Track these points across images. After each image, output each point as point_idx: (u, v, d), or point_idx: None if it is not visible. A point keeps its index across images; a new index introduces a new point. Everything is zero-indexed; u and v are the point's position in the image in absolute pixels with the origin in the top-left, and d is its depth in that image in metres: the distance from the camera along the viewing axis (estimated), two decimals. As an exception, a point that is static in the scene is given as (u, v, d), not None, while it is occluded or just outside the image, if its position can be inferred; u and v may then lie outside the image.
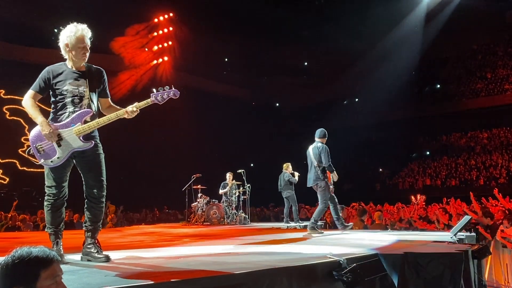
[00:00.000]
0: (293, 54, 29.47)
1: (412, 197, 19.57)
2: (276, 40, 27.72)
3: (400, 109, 29.28)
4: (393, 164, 29.20)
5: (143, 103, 3.79)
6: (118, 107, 3.91)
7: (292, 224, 11.54)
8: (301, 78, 31.16)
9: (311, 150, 7.78)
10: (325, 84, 29.34)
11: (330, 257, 3.58)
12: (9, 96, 17.28)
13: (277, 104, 32.26)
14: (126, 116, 3.77)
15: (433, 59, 31.25)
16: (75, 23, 3.77)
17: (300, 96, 29.54)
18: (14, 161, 16.57)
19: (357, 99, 32.18)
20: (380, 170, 29.79)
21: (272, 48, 28.42)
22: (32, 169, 12.56)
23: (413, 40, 27.13)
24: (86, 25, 3.83)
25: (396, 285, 3.76)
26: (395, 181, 28.42)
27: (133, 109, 3.74)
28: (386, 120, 29.21)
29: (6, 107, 17.66)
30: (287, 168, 11.89)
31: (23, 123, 14.82)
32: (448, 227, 9.00)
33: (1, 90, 18.02)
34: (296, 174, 11.86)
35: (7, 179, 17.15)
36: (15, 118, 16.56)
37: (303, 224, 11.40)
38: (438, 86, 31.48)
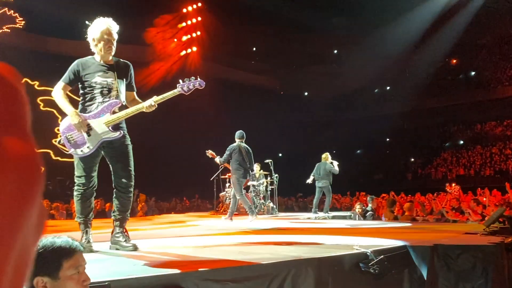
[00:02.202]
0: (322, 42, 29.10)
1: (448, 186, 19.12)
2: (305, 28, 27.42)
3: (433, 97, 28.58)
4: (425, 154, 28.61)
5: (169, 94, 3.88)
6: (141, 101, 3.98)
7: (321, 214, 11.49)
8: (331, 67, 30.74)
9: (244, 149, 8.68)
10: (355, 72, 28.88)
11: (357, 249, 3.54)
12: (42, 88, 17.70)
13: (306, 93, 31.99)
14: (145, 110, 3.82)
15: (467, 45, 30.27)
16: (101, 18, 3.85)
17: (329, 84, 29.16)
18: (48, 151, 17.04)
19: (388, 87, 31.59)
20: (412, 159, 29.24)
21: (301, 37, 28.14)
22: (65, 159, 12.89)
23: (446, 26, 26.34)
24: (111, 19, 3.89)
25: (425, 277, 3.68)
26: (427, 171, 27.84)
27: (151, 103, 3.81)
28: (418, 109, 28.58)
29: (40, 98, 18.11)
30: (327, 157, 11.78)
31: (56, 114, 15.13)
32: (482, 218, 8.77)
33: (35, 82, 18.49)
34: (335, 163, 11.75)
35: (42, 169, 17.65)
36: (48, 109, 16.97)
37: (332, 214, 11.35)
38: (473, 73, 30.52)
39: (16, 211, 0.21)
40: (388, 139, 29.42)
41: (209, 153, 9.33)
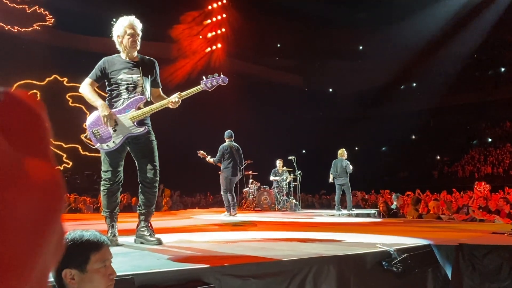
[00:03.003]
0: (347, 38, 28.79)
1: (477, 184, 18.65)
2: (329, 24, 27.19)
3: (460, 93, 27.96)
4: (452, 151, 28.05)
5: (193, 90, 3.94)
6: (166, 97, 4.04)
7: (345, 211, 11.43)
8: (356, 63, 30.41)
9: (235, 147, 9.24)
10: (381, 69, 28.48)
11: (380, 247, 3.51)
12: (71, 84, 18.13)
13: (330, 90, 31.75)
14: (171, 106, 3.88)
15: (496, 40, 29.47)
16: (125, 16, 3.95)
17: (354, 81, 28.84)
18: (77, 146, 17.45)
19: (414, 84, 31.06)
20: (438, 157, 28.71)
21: (326, 32, 27.91)
22: (93, 154, 13.14)
23: (474, 21, 25.70)
24: (134, 16, 3.97)
25: (449, 277, 3.63)
26: (454, 169, 27.30)
27: (175, 99, 3.87)
28: (445, 105, 28.02)
29: (69, 94, 18.55)
30: (343, 154, 11.68)
31: (85, 110, 15.51)
32: (510, 217, 8.57)
33: (64, 78, 18.93)
34: (348, 163, 11.68)
35: (71, 163, 18.12)
36: (77, 105, 17.38)
37: (355, 212, 11.28)
38: (503, 69, 29.71)
39: (39, 233, 0.22)
40: (414, 136, 28.97)
41: (200, 153, 9.57)
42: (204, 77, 4.00)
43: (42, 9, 19.34)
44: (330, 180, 11.79)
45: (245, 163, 13.35)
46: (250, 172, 13.31)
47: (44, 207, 0.23)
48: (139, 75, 3.92)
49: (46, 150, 0.25)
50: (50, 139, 0.26)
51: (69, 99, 18.59)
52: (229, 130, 9.57)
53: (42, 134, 0.25)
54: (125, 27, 3.90)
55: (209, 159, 9.48)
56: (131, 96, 3.87)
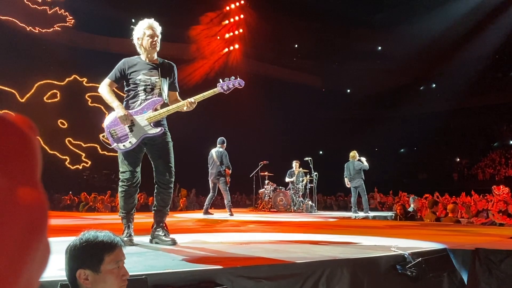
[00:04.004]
0: (365, 39, 28.56)
1: (494, 188, 18.34)
2: (347, 24, 27.02)
3: (481, 94, 27.50)
4: (472, 153, 27.61)
5: (209, 92, 4.00)
6: (182, 101, 4.08)
7: (361, 214, 11.36)
8: (374, 63, 30.14)
9: (214, 153, 9.75)
10: (400, 69, 28.17)
11: (394, 250, 3.49)
12: (91, 84, 18.37)
13: (348, 90, 31.54)
14: (185, 108, 3.92)
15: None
16: (145, 19, 4.02)
17: (373, 81, 28.59)
18: (95, 145, 17.68)
19: (434, 85, 30.66)
20: (458, 159, 28.29)
21: (344, 33, 27.74)
22: (111, 153, 13.33)
23: (495, 21, 25.24)
24: (153, 19, 4.04)
25: (465, 282, 3.58)
26: (474, 171, 26.86)
27: (191, 101, 3.92)
28: (466, 107, 27.57)
29: (88, 94, 18.81)
30: (355, 156, 11.69)
31: (104, 110, 15.73)
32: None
33: (84, 78, 19.20)
34: (363, 159, 11.63)
35: (89, 162, 18.38)
36: (96, 105, 17.62)
37: (372, 214, 11.21)
38: (526, 70, 29.13)
39: (24, 251, 0.24)
40: (433, 138, 28.57)
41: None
42: (220, 80, 4.05)
43: (63, 10, 19.66)
44: (346, 184, 11.77)
45: (260, 164, 13.40)
46: (266, 173, 13.31)
47: (29, 229, 0.25)
48: (158, 77, 3.97)
49: (34, 174, 0.27)
50: (39, 163, 0.28)
51: (88, 99, 18.85)
52: (222, 137, 10.12)
53: (31, 159, 0.27)
54: (144, 29, 3.97)
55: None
56: (148, 97, 3.92)
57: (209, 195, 9.98)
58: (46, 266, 0.27)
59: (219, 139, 10.04)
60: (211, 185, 9.79)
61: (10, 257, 0.23)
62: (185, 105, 3.92)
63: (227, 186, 9.86)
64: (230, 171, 9.91)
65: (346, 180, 11.73)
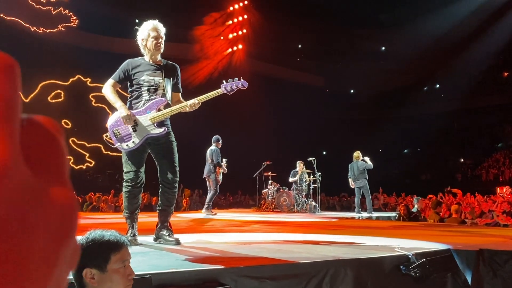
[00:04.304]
0: (369, 39, 28.52)
1: (498, 189, 18.26)
2: (351, 24, 26.98)
3: (485, 95, 27.40)
4: (476, 154, 27.51)
5: (213, 93, 4.01)
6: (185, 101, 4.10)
7: (365, 214, 11.34)
8: (378, 63, 30.09)
9: (208, 151, 9.96)
10: (404, 69, 28.11)
11: (398, 251, 3.49)
12: (94, 84, 18.43)
13: (352, 91, 31.50)
14: (188, 109, 3.93)
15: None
16: (149, 20, 4.05)
17: (376, 82, 28.55)
18: (99, 145, 17.74)
19: (438, 85, 30.58)
20: (462, 160, 28.20)
21: (347, 33, 27.71)
22: (115, 153, 13.37)
23: (499, 21, 25.15)
24: (158, 20, 4.06)
25: (469, 283, 3.58)
26: (478, 172, 26.77)
27: (194, 102, 3.93)
28: (469, 107, 27.48)
29: (92, 94, 18.87)
30: (359, 156, 11.69)
31: (107, 110, 15.76)
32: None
33: (87, 79, 19.25)
34: (367, 158, 11.63)
35: (93, 162, 18.43)
36: (100, 105, 17.68)
37: (375, 215, 11.19)
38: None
39: (55, 251, 0.25)
40: (436, 139, 28.49)
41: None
42: (224, 81, 4.07)
43: (67, 10, 19.73)
44: (351, 184, 11.77)
45: (264, 164, 13.41)
46: (269, 173, 13.32)
47: (60, 229, 0.26)
48: (161, 78, 3.99)
49: (64, 174, 0.28)
50: (68, 163, 0.29)
51: (92, 99, 18.91)
52: (216, 136, 10.28)
53: (61, 159, 0.28)
54: (149, 30, 3.99)
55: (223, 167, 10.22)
56: (152, 97, 3.94)
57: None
58: (74, 266, 0.28)
59: (213, 137, 10.20)
60: (207, 183, 10.01)
61: (43, 257, 0.24)
62: (188, 106, 3.93)
63: (218, 184, 10.03)
64: (222, 169, 10.14)
65: (350, 180, 11.74)
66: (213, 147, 10.03)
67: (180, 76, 4.22)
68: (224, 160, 10.22)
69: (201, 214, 9.93)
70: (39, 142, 0.27)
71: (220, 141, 10.17)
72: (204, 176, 9.97)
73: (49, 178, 0.26)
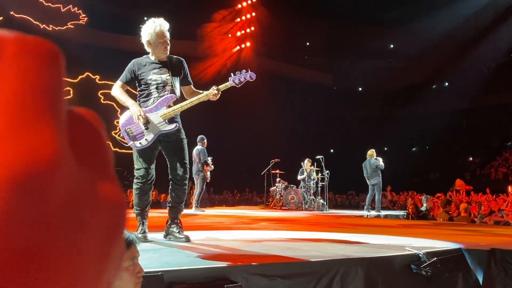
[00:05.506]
0: (377, 37, 28.36)
1: (510, 187, 18.11)
2: (359, 22, 26.86)
3: (495, 93, 27.17)
4: (485, 153, 27.31)
5: (222, 87, 4.02)
6: (201, 91, 4.09)
7: (373, 213, 11.30)
8: (386, 61, 29.94)
9: (194, 151, 10.03)
10: (412, 67, 27.94)
11: (409, 250, 3.47)
12: (103, 82, 18.51)
13: (360, 89, 31.36)
14: (208, 98, 3.93)
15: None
16: (153, 19, 4.00)
17: (385, 80, 28.40)
18: (107, 142, 17.80)
19: (447, 83, 30.37)
20: (470, 159, 28.00)
21: (356, 31, 27.58)
22: (123, 150, 13.43)
23: (510, 19, 24.90)
24: (162, 19, 4.03)
25: (480, 283, 3.55)
26: (487, 171, 26.56)
27: (214, 91, 3.92)
28: (479, 105, 27.28)
29: (101, 91, 18.94)
30: (372, 154, 11.63)
31: (116, 107, 15.79)
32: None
33: (96, 76, 19.34)
34: (380, 159, 11.57)
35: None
36: (108, 102, 17.72)
37: (384, 213, 11.15)
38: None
39: (106, 250, 0.24)
40: (445, 137, 28.31)
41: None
42: (232, 74, 4.08)
43: (76, 8, 19.82)
44: (368, 183, 11.66)
45: (272, 161, 13.41)
46: (277, 171, 13.31)
47: (111, 227, 0.24)
48: (168, 75, 4.00)
49: (111, 170, 0.27)
50: (113, 158, 0.28)
51: (101, 96, 18.98)
52: (200, 135, 10.42)
53: (106, 153, 0.27)
54: (157, 35, 3.96)
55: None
56: (161, 94, 3.96)
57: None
58: (120, 268, 0.27)
59: (198, 137, 10.36)
60: (195, 182, 10.24)
61: (95, 256, 0.23)
62: (207, 97, 3.93)
63: (205, 183, 10.36)
64: (209, 168, 10.50)
65: (366, 179, 11.64)
66: (199, 146, 10.25)
67: (187, 69, 4.20)
68: (209, 158, 10.50)
69: (191, 210, 10.11)
70: (84, 136, 0.26)
71: (205, 140, 10.41)
72: (193, 176, 10.12)
73: (97, 173, 0.25)
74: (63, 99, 0.24)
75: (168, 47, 4.03)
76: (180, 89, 4.10)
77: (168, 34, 4.01)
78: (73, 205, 0.22)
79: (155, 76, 3.97)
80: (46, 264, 0.20)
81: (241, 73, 4.03)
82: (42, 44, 0.24)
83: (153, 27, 3.96)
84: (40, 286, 0.20)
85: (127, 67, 4.07)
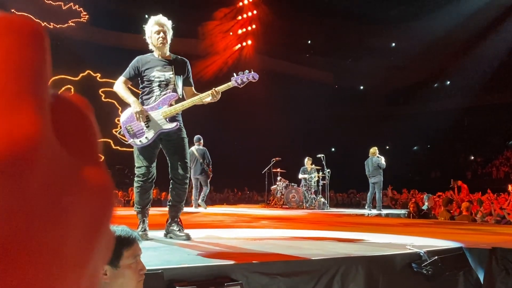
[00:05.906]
0: (379, 35, 28.32)
1: (510, 186, 18.08)
2: (360, 20, 26.82)
3: (496, 92, 27.11)
4: (486, 152, 27.27)
5: (224, 87, 4.00)
6: (199, 94, 4.09)
7: (374, 211, 11.30)
8: (388, 60, 29.90)
9: (195, 151, 10.00)
10: (414, 66, 27.90)
11: (410, 248, 3.46)
12: (104, 80, 18.51)
13: (361, 87, 31.32)
14: (209, 99, 3.92)
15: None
16: (152, 16, 4.06)
17: (386, 78, 28.36)
18: (109, 140, 17.79)
19: (448, 82, 30.32)
20: (472, 157, 27.96)
21: (357, 29, 27.55)
22: (124, 149, 13.42)
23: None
24: (161, 15, 4.07)
25: (481, 282, 3.54)
26: (488, 169, 26.54)
27: (213, 93, 3.91)
28: (480, 104, 27.22)
29: (102, 89, 18.94)
30: (375, 152, 11.61)
31: (117, 105, 15.78)
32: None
33: (97, 74, 19.33)
34: (382, 157, 11.56)
35: (102, 157, 18.43)
36: (109, 100, 17.71)
37: (385, 212, 11.14)
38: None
39: (92, 235, 0.23)
40: (446, 136, 28.28)
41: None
42: (234, 74, 4.07)
43: (77, 6, 19.82)
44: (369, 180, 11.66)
45: (273, 160, 13.40)
46: (278, 170, 13.30)
47: (97, 212, 0.23)
48: (172, 73, 4.00)
49: (97, 154, 0.25)
50: (100, 143, 0.27)
51: (102, 94, 18.97)
52: (197, 135, 10.41)
53: (93, 138, 0.26)
54: (151, 27, 4.02)
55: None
56: (163, 93, 3.95)
57: (194, 191, 10.42)
58: (109, 257, 0.25)
59: (195, 137, 10.32)
60: (193, 181, 10.14)
61: (80, 242, 0.22)
62: (209, 95, 3.92)
63: (208, 180, 10.48)
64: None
65: (368, 176, 11.64)
66: (201, 147, 10.28)
67: (190, 70, 4.22)
68: None
69: (200, 208, 10.29)
70: (69, 119, 0.25)
71: (202, 140, 10.42)
72: (196, 176, 10.09)
73: (82, 157, 0.23)
74: (46, 80, 0.23)
75: (167, 40, 4.03)
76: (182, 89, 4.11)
77: (166, 28, 4.03)
78: (54, 189, 0.21)
79: (158, 74, 3.98)
80: (25, 258, 0.19)
81: (243, 73, 4.02)
82: (27, 23, 0.23)
83: (152, 21, 4.02)
84: (18, 282, 0.18)
85: (131, 63, 4.07)
